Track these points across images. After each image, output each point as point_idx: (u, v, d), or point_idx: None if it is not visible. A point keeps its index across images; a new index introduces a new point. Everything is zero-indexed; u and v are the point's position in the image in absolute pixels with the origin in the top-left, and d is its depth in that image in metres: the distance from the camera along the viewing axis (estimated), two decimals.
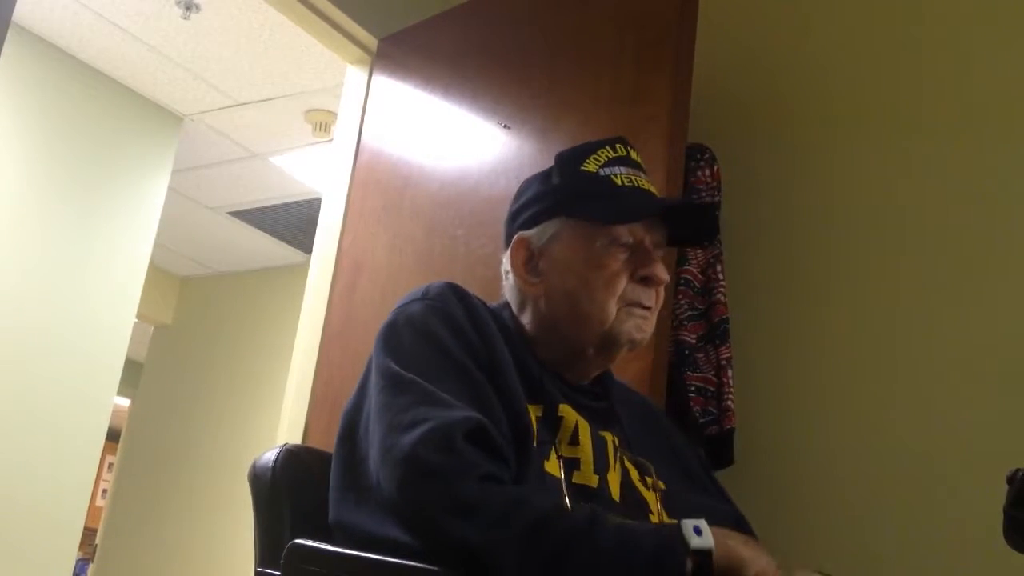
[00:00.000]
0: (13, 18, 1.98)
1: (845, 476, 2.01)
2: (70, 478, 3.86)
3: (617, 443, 1.21)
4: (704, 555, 0.91)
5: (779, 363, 2.15)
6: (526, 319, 1.27)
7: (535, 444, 1.11)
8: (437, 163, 2.45)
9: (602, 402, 1.29)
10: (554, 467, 1.12)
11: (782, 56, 2.37)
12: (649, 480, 1.21)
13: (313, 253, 2.77)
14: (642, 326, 1.23)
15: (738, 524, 1.29)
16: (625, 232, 1.22)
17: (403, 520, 0.99)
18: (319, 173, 4.67)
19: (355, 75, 2.88)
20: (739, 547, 0.94)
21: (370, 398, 1.13)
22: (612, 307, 1.20)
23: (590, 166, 1.26)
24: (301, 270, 2.91)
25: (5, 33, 1.93)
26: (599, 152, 1.27)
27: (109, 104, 4.15)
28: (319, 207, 2.85)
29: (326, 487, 1.15)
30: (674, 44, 2.04)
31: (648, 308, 1.23)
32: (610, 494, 1.14)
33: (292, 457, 1.24)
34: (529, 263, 1.27)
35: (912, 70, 2.19)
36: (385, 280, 2.43)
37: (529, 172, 2.16)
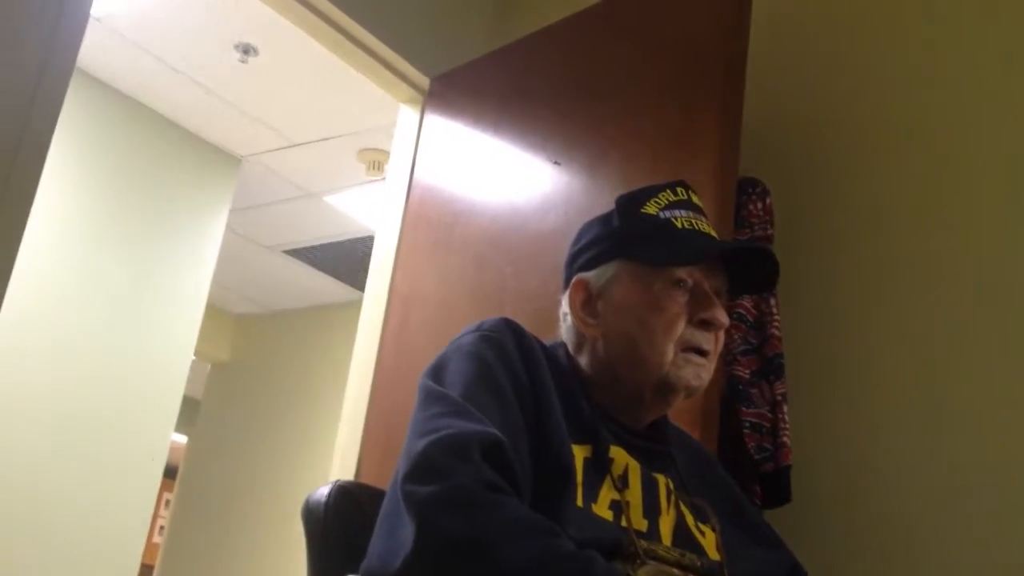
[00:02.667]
0: (76, 63, 2.04)
1: (905, 514, 1.96)
2: (128, 515, 3.92)
3: (672, 486, 1.20)
4: None
5: (835, 397, 2.12)
6: (583, 360, 1.26)
7: (580, 486, 1.10)
8: (487, 200, 2.47)
9: (658, 444, 1.27)
10: (603, 509, 1.11)
11: (834, 88, 2.35)
12: (704, 526, 1.19)
13: (366, 290, 2.80)
14: (700, 373, 1.21)
15: (793, 571, 1.27)
16: (685, 275, 1.21)
17: (407, 513, 0.98)
18: (372, 211, 4.73)
19: (407, 114, 2.92)
20: None
21: None
22: (670, 351, 1.19)
23: (650, 209, 1.25)
24: (355, 307, 2.94)
25: (69, 77, 1.99)
26: (660, 195, 1.27)
27: (169, 146, 4.26)
28: (372, 245, 2.88)
29: None
30: (724, 78, 2.04)
31: (706, 353, 1.22)
32: (660, 538, 1.13)
33: (345, 494, 1.24)
34: (587, 305, 1.26)
35: (964, 100, 2.16)
36: (435, 315, 2.44)
37: (577, 208, 2.19)
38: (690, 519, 1.18)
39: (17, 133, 1.86)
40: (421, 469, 0.98)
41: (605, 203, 2.13)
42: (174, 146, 4.28)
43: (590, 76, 2.34)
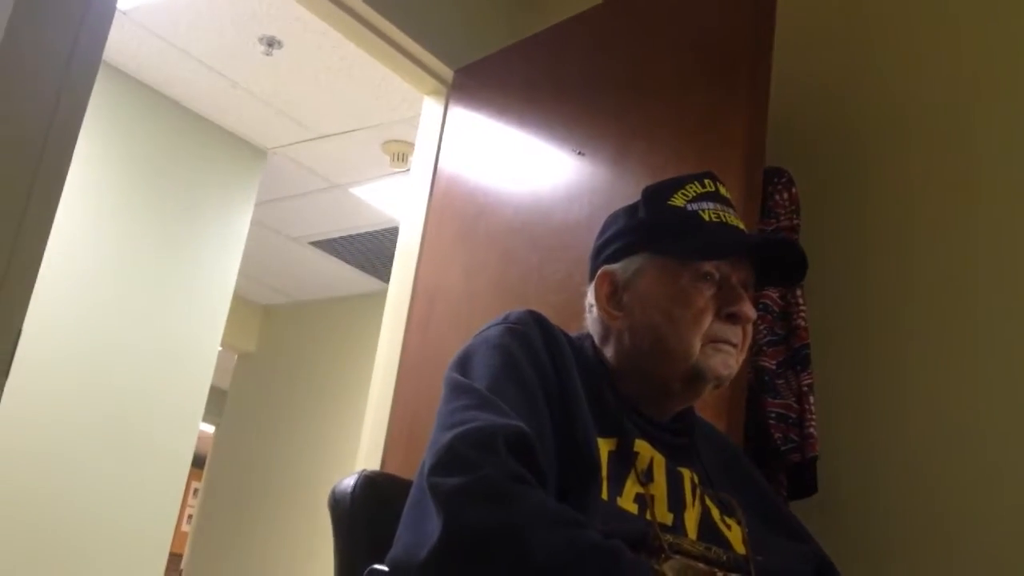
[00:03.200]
0: (103, 57, 2.06)
1: (932, 506, 1.94)
2: (157, 504, 3.96)
3: (697, 480, 1.19)
4: None
5: (862, 388, 2.11)
6: (609, 352, 1.26)
7: (605, 479, 1.10)
8: (511, 190, 2.47)
9: (682, 438, 1.26)
10: (628, 503, 1.11)
11: (859, 76, 2.33)
12: (731, 520, 1.19)
13: (391, 282, 2.81)
14: (728, 362, 1.21)
15: (820, 564, 1.26)
16: (712, 269, 1.21)
17: (433, 505, 0.98)
18: (397, 202, 4.74)
19: (431, 106, 2.92)
20: None
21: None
22: (697, 343, 1.19)
23: (678, 201, 1.24)
24: (380, 298, 2.95)
25: (95, 71, 2.00)
26: (687, 187, 1.26)
27: (195, 139, 4.28)
28: (397, 236, 2.89)
29: None
30: (749, 67, 2.02)
31: (735, 345, 1.21)
32: (686, 532, 1.12)
33: (371, 484, 1.24)
34: (613, 297, 1.26)
35: (993, 84, 2.13)
36: (460, 306, 2.45)
37: (602, 198, 2.18)
38: (715, 513, 1.18)
39: (44, 127, 1.88)
40: (447, 461, 0.98)
41: (630, 193, 2.12)
42: (200, 139, 4.31)
43: (614, 66, 2.33)
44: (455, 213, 2.60)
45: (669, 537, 1.08)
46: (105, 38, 2.05)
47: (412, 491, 1.05)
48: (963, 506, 1.91)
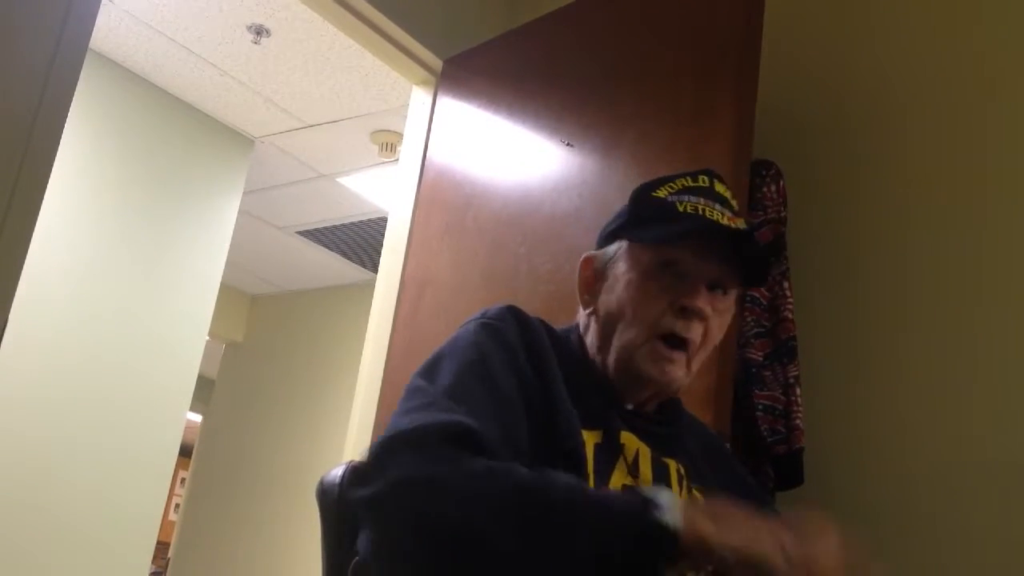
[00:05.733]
0: (90, 44, 2.05)
1: (918, 496, 1.96)
2: (144, 493, 3.95)
3: (683, 471, 1.19)
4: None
5: (848, 381, 2.12)
6: (588, 340, 1.25)
7: (591, 472, 1.09)
8: (500, 181, 2.47)
9: (668, 428, 1.25)
10: None
11: (849, 68, 2.33)
12: None
13: (379, 272, 2.80)
14: (667, 369, 1.17)
15: None
16: (676, 259, 1.18)
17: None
18: (386, 192, 4.73)
19: (420, 96, 2.91)
20: (706, 524, 0.91)
21: None
22: (642, 334, 1.17)
23: (661, 193, 1.23)
24: (368, 288, 2.95)
25: (82, 58, 1.99)
26: (677, 181, 1.24)
27: (182, 127, 4.26)
28: (385, 226, 2.89)
29: None
30: (737, 60, 2.03)
31: (684, 343, 1.17)
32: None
33: (358, 474, 1.23)
34: (590, 284, 1.26)
35: (981, 80, 2.14)
36: (448, 297, 2.45)
37: (591, 190, 2.18)
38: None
39: (31, 114, 1.87)
40: (363, 471, 0.98)
41: (619, 184, 2.14)
42: (187, 127, 4.29)
43: (604, 57, 2.33)
44: (444, 203, 2.60)
45: None
46: (92, 26, 2.04)
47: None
48: (949, 498, 1.92)
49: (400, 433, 0.99)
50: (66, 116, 1.93)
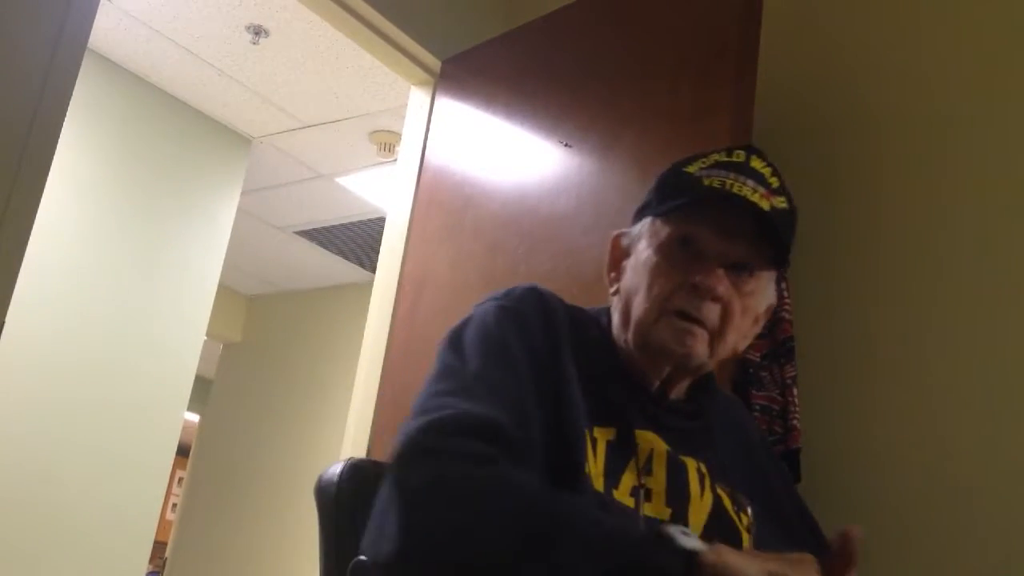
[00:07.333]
0: (88, 44, 2.05)
1: (915, 495, 1.96)
2: (141, 492, 3.95)
3: (705, 470, 1.13)
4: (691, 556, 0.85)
5: (845, 381, 2.12)
6: (614, 320, 1.18)
7: (602, 472, 1.04)
8: (499, 182, 2.47)
9: (696, 421, 1.18)
10: (624, 496, 1.05)
11: (848, 67, 2.34)
12: (744, 516, 1.12)
13: (377, 272, 2.80)
14: (684, 339, 1.10)
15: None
16: (694, 235, 1.12)
17: (395, 502, 0.93)
18: (384, 193, 4.73)
19: (418, 96, 2.91)
20: (728, 555, 0.85)
21: None
22: (653, 310, 1.11)
23: (692, 167, 1.16)
24: (366, 288, 2.95)
25: (81, 58, 1.99)
26: (711, 156, 1.17)
27: (180, 127, 4.26)
28: (384, 226, 2.89)
29: None
30: (736, 60, 2.03)
31: (697, 322, 1.10)
32: (687, 526, 1.05)
33: (358, 471, 1.23)
34: (619, 263, 1.21)
35: (981, 80, 2.15)
36: (447, 298, 2.45)
37: (589, 190, 2.19)
38: (728, 503, 1.12)
39: (29, 114, 1.87)
40: (408, 452, 0.95)
41: (617, 185, 2.14)
42: (185, 127, 4.29)
43: (602, 57, 2.33)
44: (442, 204, 2.60)
45: None
46: (90, 25, 2.04)
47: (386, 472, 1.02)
48: (947, 498, 1.92)
49: (437, 421, 0.97)
50: (64, 116, 1.93)
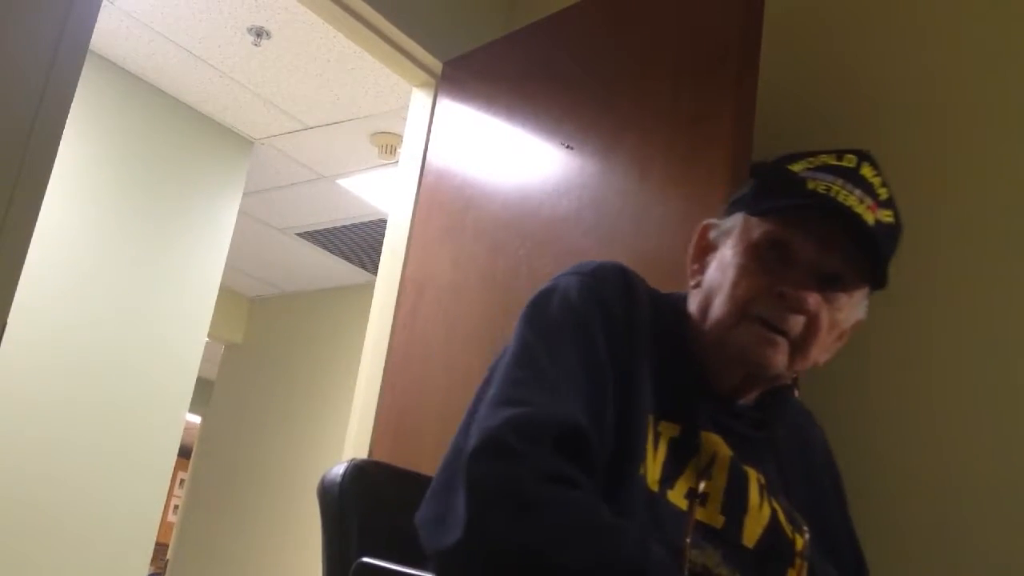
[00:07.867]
0: (90, 46, 2.05)
1: (918, 497, 1.96)
2: (143, 494, 3.95)
3: (763, 481, 1.08)
4: None
5: (847, 382, 2.12)
6: (691, 313, 1.13)
7: (660, 468, 1.02)
8: (500, 184, 2.47)
9: (762, 431, 1.14)
10: (678, 497, 1.01)
11: (849, 69, 2.34)
12: (800, 539, 1.08)
13: (378, 273, 2.81)
14: (763, 347, 1.04)
15: None
16: (790, 240, 1.06)
17: (463, 491, 0.91)
18: (385, 194, 4.73)
19: (420, 98, 2.92)
20: None
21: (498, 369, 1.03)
22: (733, 313, 1.06)
23: (797, 166, 1.10)
24: (368, 290, 2.95)
25: (82, 60, 2.00)
26: (820, 157, 1.10)
27: (182, 129, 4.27)
28: (385, 228, 2.89)
29: (395, 503, 1.12)
30: (737, 62, 2.03)
31: (782, 333, 1.05)
32: (740, 538, 1.03)
33: (361, 472, 1.22)
34: (704, 256, 1.15)
35: (982, 80, 2.15)
36: (448, 300, 2.45)
37: (591, 192, 2.19)
38: (783, 519, 1.08)
39: (31, 116, 1.87)
40: (489, 449, 0.91)
41: (619, 187, 2.14)
42: (187, 129, 4.29)
43: (604, 60, 2.33)
44: (443, 206, 2.60)
45: (696, 552, 0.99)
46: (92, 26, 2.04)
47: (448, 458, 0.98)
48: (949, 500, 1.92)
49: (519, 418, 0.93)
50: (66, 118, 1.93)
